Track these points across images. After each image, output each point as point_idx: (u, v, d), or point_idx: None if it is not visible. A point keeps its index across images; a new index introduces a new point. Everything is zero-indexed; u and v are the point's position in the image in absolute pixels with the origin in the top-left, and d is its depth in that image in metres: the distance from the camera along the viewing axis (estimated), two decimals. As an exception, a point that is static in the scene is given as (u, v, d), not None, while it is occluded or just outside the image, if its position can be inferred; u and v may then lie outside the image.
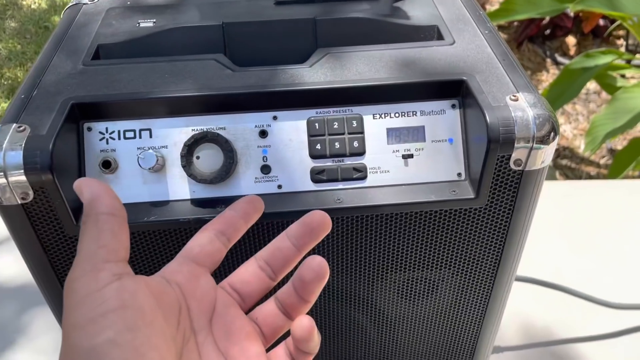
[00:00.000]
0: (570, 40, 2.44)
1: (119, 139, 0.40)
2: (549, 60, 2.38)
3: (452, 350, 0.53)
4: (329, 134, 0.41)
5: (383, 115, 0.41)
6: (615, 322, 0.74)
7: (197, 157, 0.39)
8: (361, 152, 0.41)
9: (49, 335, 0.74)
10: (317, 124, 0.41)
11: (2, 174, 0.35)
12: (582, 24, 2.36)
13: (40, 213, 0.37)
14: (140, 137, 0.40)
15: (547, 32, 2.43)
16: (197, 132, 0.39)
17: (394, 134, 0.41)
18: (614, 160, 1.59)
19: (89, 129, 0.40)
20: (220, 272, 0.42)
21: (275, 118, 0.41)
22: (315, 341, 0.33)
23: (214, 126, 0.40)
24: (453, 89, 0.41)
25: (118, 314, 0.27)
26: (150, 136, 0.40)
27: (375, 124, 0.41)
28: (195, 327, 0.33)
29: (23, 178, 0.36)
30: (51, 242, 0.39)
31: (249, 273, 0.35)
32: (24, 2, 2.73)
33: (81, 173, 0.39)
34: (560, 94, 1.61)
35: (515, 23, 2.44)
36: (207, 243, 0.35)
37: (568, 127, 2.11)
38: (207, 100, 0.40)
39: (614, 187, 0.98)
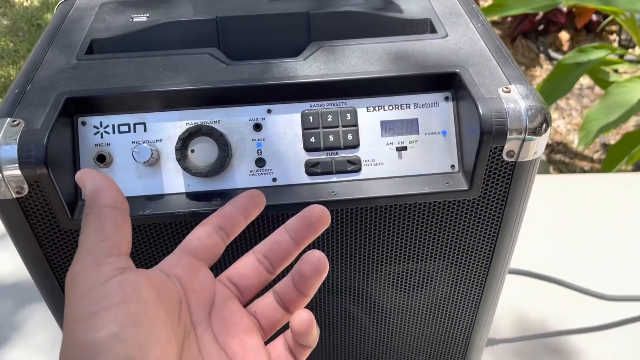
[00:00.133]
0: (564, 35, 2.45)
1: (114, 133, 0.40)
2: (542, 55, 2.39)
3: (447, 342, 0.53)
4: (323, 127, 0.41)
5: (377, 108, 0.41)
6: (609, 314, 0.74)
7: (192, 151, 0.39)
8: (355, 145, 0.41)
9: (44, 333, 0.74)
10: (311, 117, 0.41)
11: (-4, 168, 0.35)
12: (576, 20, 2.37)
13: (36, 207, 0.38)
14: (134, 131, 0.40)
15: (541, 27, 2.43)
16: (191, 125, 0.40)
17: (387, 127, 0.41)
18: (607, 154, 1.60)
19: (84, 123, 0.40)
20: (216, 266, 0.42)
21: (269, 111, 0.41)
22: (314, 335, 0.33)
23: (209, 120, 0.40)
24: (446, 82, 0.41)
25: (121, 308, 0.27)
26: (145, 130, 0.40)
27: (369, 116, 0.41)
28: (194, 320, 0.33)
29: (18, 172, 0.36)
30: (46, 236, 0.39)
31: (247, 266, 0.36)
32: (16, 0, 2.71)
33: (76, 167, 0.39)
34: (553, 89, 1.62)
35: (509, 19, 2.44)
36: (206, 237, 0.35)
37: (562, 122, 2.12)
38: (201, 94, 0.40)
39: (607, 181, 0.99)
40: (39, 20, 2.58)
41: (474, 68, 0.42)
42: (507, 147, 0.39)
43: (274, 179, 0.41)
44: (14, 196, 0.37)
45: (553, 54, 2.37)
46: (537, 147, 0.39)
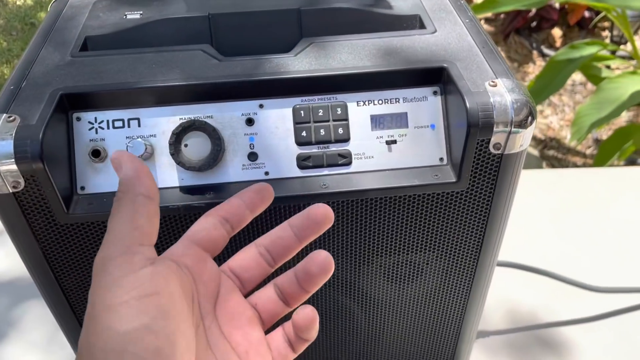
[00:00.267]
0: (556, 32, 2.46)
1: (108, 128, 0.40)
2: (535, 52, 2.41)
3: (438, 332, 0.54)
4: (314, 122, 0.42)
5: (367, 103, 0.42)
6: (599, 306, 0.76)
7: (185, 145, 0.40)
8: (346, 139, 0.42)
9: (41, 329, 0.74)
10: (302, 112, 0.42)
11: (-7, 163, 0.36)
12: (568, 16, 2.39)
13: (32, 201, 0.38)
14: (129, 127, 0.41)
15: (534, 24, 2.45)
16: (184, 120, 0.40)
17: (377, 121, 0.42)
18: (599, 150, 1.61)
19: (78, 118, 0.40)
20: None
21: (261, 106, 0.42)
22: (316, 329, 0.34)
23: (202, 115, 0.41)
24: (434, 76, 0.42)
25: (153, 299, 0.27)
26: (139, 125, 0.41)
27: (360, 111, 0.42)
28: (202, 311, 0.33)
29: (14, 167, 0.36)
30: (43, 230, 0.40)
31: (249, 259, 0.36)
32: (10, -1, 2.71)
33: (71, 162, 0.40)
34: (546, 86, 1.63)
35: (502, 15, 2.45)
36: (212, 228, 0.35)
37: (554, 118, 2.14)
38: (194, 90, 0.41)
39: (599, 175, 1.00)
40: (32, 19, 2.58)
41: (462, 63, 0.42)
42: (494, 139, 0.39)
43: (266, 173, 0.41)
44: (10, 191, 0.37)
45: (546, 51, 2.38)
46: (523, 140, 0.40)
